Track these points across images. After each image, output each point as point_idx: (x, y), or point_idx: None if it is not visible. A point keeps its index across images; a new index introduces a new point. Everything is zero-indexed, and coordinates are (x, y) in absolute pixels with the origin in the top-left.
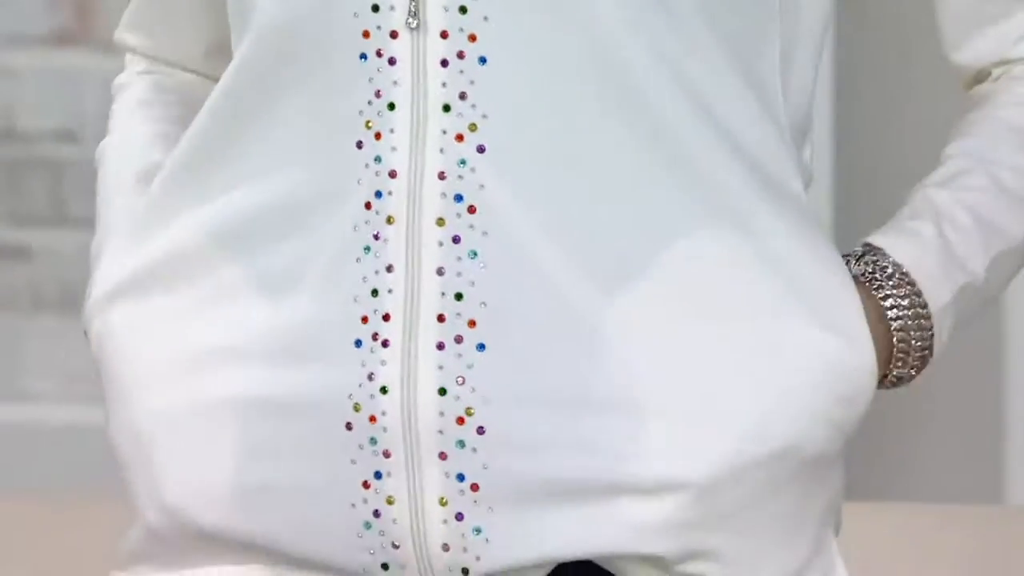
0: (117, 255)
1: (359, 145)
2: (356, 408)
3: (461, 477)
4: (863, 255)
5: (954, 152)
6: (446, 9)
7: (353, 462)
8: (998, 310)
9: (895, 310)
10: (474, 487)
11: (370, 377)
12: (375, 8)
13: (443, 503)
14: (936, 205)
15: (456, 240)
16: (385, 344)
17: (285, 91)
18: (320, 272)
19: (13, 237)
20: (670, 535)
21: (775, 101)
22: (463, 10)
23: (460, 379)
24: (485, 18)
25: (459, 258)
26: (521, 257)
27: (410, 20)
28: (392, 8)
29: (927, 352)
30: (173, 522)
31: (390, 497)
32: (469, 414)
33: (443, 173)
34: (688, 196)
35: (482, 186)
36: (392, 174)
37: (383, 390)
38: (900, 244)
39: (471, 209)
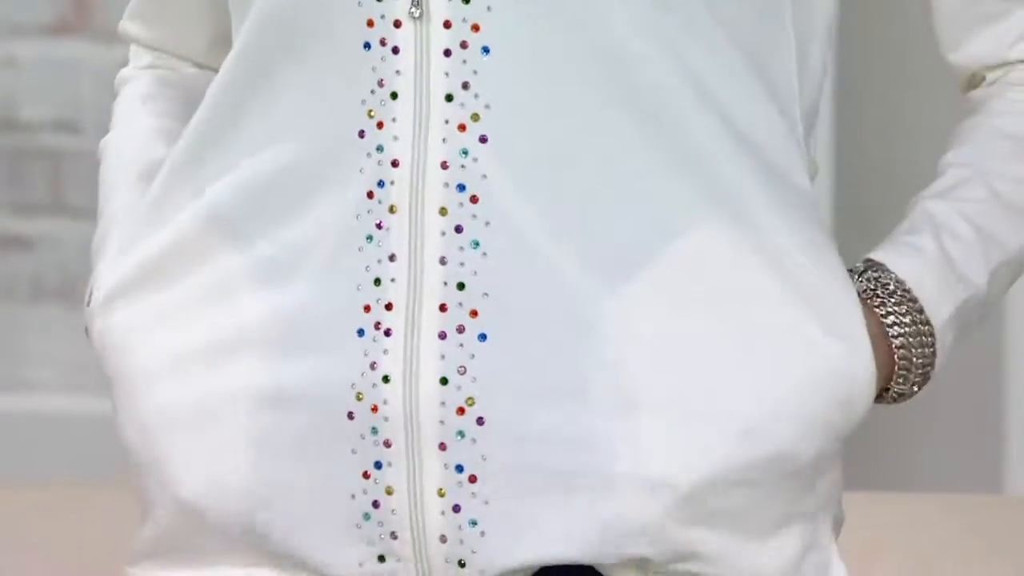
0: (118, 253)
1: (361, 134)
2: (358, 397)
3: (460, 468)
4: (864, 271)
5: (952, 162)
6: None
7: (354, 452)
8: (999, 304)
9: (897, 327)
10: (472, 479)
11: (372, 366)
12: None
13: (441, 494)
14: (935, 217)
15: (458, 230)
16: (388, 333)
17: (285, 80)
18: (321, 261)
19: (13, 227)
20: (658, 536)
21: (789, 96)
22: (466, 0)
23: (462, 368)
24: (488, 8)
25: (461, 248)
26: (522, 247)
27: (413, 9)
28: None
29: (929, 368)
30: (187, 518)
31: (389, 487)
32: (470, 404)
33: (445, 163)
34: (691, 189)
35: (484, 176)
36: (395, 163)
37: (385, 379)
38: (901, 260)
39: (473, 199)
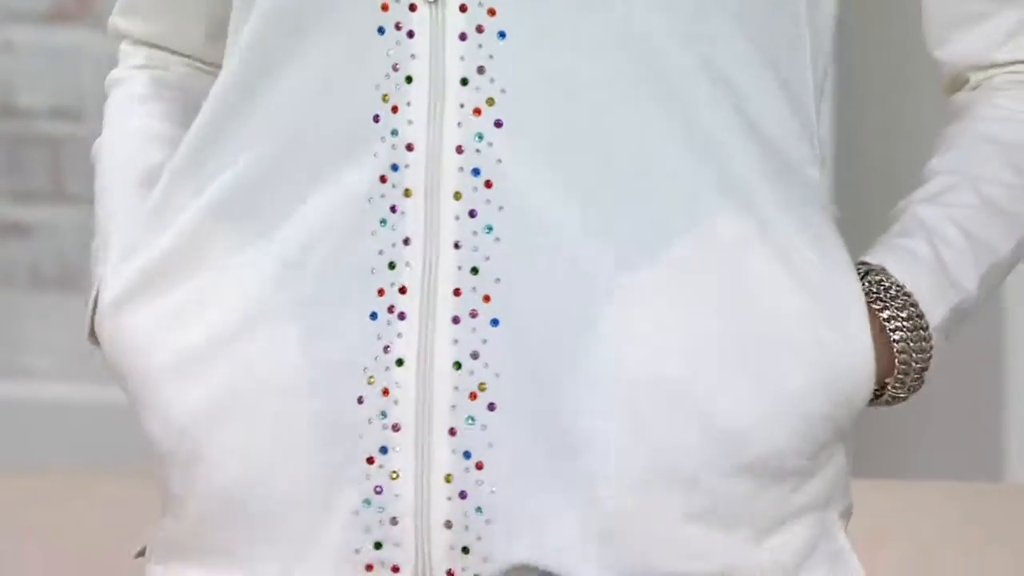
0: (124, 256)
1: (376, 118)
2: (370, 381)
3: (468, 454)
4: (865, 274)
5: (939, 168)
6: None
7: (360, 437)
8: (998, 291)
9: (899, 331)
10: (479, 465)
11: (386, 350)
12: None
13: (448, 480)
14: (926, 222)
15: (472, 214)
16: (402, 316)
17: (292, 71)
18: (333, 245)
19: (12, 214)
20: (660, 534)
21: (803, 91)
22: None
23: (474, 353)
24: None
25: (475, 232)
26: (535, 233)
27: None
28: None
29: (924, 371)
30: (224, 507)
31: (394, 472)
32: (482, 389)
33: (460, 147)
34: (705, 180)
35: (499, 160)
36: (409, 147)
37: (399, 362)
38: (898, 264)
39: (488, 183)
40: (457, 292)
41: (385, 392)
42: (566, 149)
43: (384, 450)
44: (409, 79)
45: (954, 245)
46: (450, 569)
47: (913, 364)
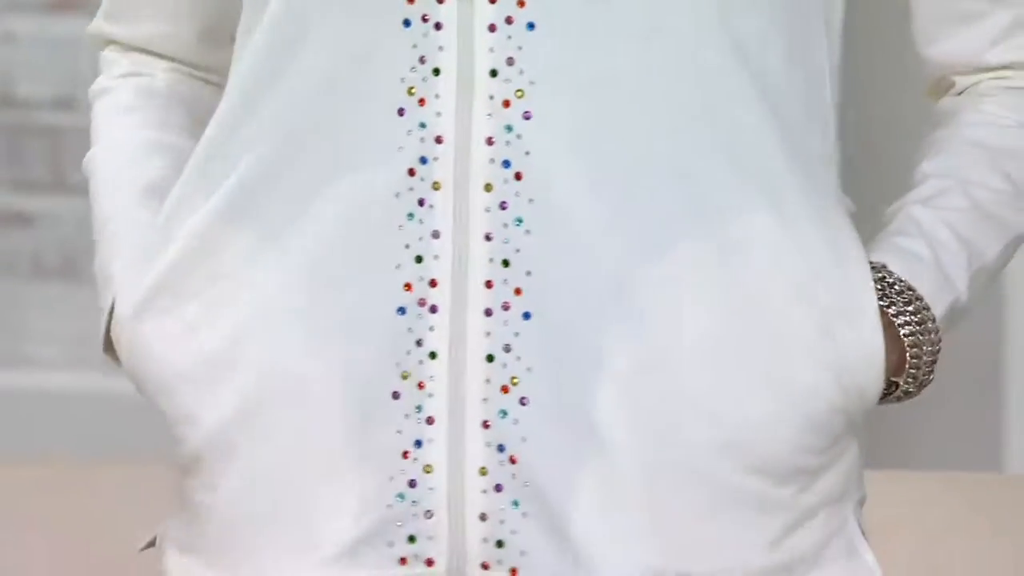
0: (136, 270)
1: (400, 112)
2: (404, 376)
3: (501, 448)
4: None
5: (931, 171)
6: None
7: (399, 432)
8: (997, 285)
9: (908, 325)
10: (512, 459)
11: (419, 343)
12: None
13: (483, 472)
14: (921, 224)
15: (503, 206)
16: (433, 310)
17: (310, 63)
18: (356, 241)
19: (13, 203)
20: (676, 532)
21: (828, 89)
22: None
23: (506, 347)
24: None
25: (505, 224)
26: (564, 226)
27: None
28: None
29: (934, 363)
30: (256, 506)
31: (428, 466)
32: (514, 383)
33: (491, 138)
34: (729, 175)
35: (528, 152)
36: (438, 139)
37: (432, 355)
38: (899, 262)
39: (517, 176)
40: (489, 284)
41: (420, 386)
42: (592, 141)
43: (419, 443)
44: (437, 71)
45: (948, 247)
46: (484, 561)
47: (924, 357)
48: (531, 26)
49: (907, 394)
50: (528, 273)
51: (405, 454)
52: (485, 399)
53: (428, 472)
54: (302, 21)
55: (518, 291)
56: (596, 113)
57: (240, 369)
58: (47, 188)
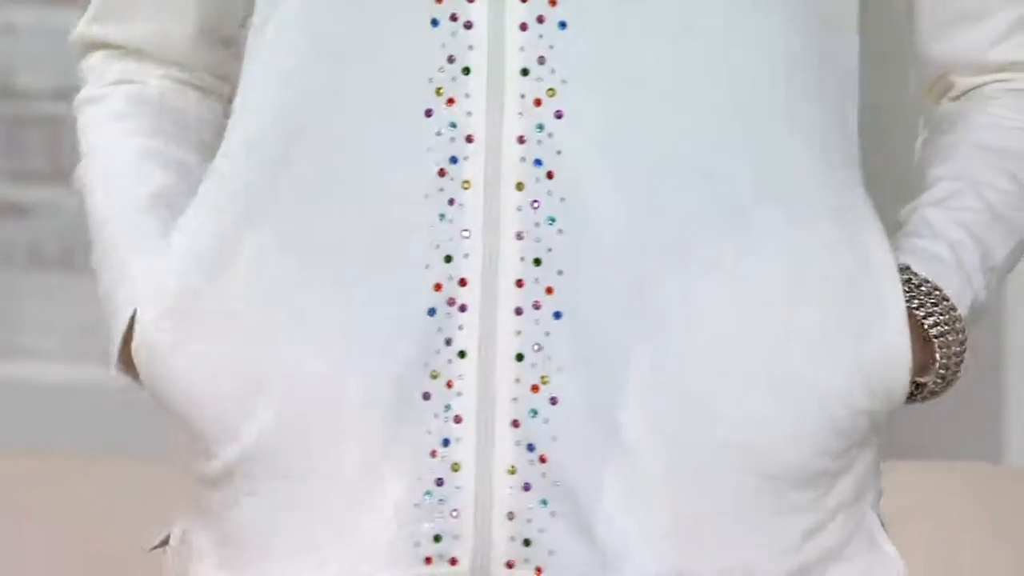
0: (155, 286)
1: (428, 113)
2: (433, 376)
3: (531, 447)
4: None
5: (943, 174)
6: None
7: (429, 433)
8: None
9: (938, 327)
10: (542, 459)
11: (448, 342)
12: None
13: (512, 471)
14: (934, 225)
15: (535, 205)
16: (463, 309)
17: (336, 65)
18: (386, 244)
19: (11, 194)
20: (694, 537)
21: (853, 93)
22: None
23: (536, 346)
24: None
25: (537, 223)
26: (596, 225)
27: None
28: None
29: (961, 361)
30: (287, 513)
31: (456, 464)
32: (544, 383)
33: (522, 137)
34: (754, 174)
35: (559, 152)
36: (469, 139)
37: (461, 354)
38: (921, 263)
39: (549, 174)
40: (520, 283)
41: (449, 385)
42: (626, 140)
43: (446, 442)
44: (467, 70)
45: (965, 246)
46: (510, 560)
47: (953, 357)
48: (563, 25)
49: (933, 394)
50: (560, 272)
51: (433, 453)
52: (515, 398)
53: (456, 470)
54: (322, 21)
55: (549, 290)
56: (627, 112)
57: (274, 379)
58: (46, 178)
